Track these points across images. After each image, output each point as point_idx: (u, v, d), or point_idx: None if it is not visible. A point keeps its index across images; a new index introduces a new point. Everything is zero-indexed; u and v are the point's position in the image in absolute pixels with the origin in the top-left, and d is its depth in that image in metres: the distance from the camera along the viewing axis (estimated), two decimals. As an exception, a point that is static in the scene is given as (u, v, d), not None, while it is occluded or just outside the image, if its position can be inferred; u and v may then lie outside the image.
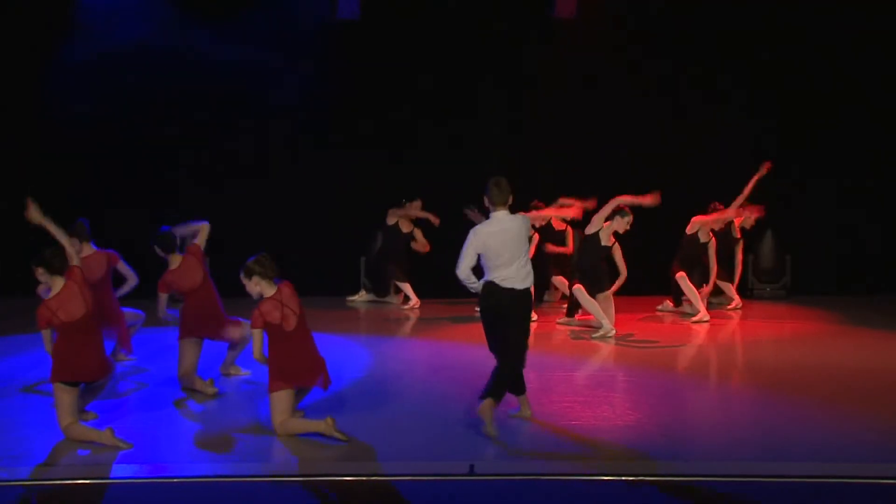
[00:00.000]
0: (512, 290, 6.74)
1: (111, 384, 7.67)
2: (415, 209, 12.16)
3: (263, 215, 12.84)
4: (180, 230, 7.89)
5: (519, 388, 6.91)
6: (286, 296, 6.52)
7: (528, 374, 8.19)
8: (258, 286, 6.54)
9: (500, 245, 6.73)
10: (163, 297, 7.74)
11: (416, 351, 9.53)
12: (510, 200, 6.83)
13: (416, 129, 12.97)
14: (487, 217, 6.81)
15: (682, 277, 11.00)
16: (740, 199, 11.38)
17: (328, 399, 7.31)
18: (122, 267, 8.42)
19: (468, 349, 9.43)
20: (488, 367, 8.24)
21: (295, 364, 6.52)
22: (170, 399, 7.48)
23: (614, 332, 9.99)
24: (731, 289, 11.80)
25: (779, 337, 10.21)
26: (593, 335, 9.99)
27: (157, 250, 7.84)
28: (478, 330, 9.53)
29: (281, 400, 6.48)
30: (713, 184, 11.95)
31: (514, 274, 6.76)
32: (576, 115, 12.86)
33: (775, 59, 12.95)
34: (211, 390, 7.56)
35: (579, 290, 10.13)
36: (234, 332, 7.73)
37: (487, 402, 6.53)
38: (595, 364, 8.95)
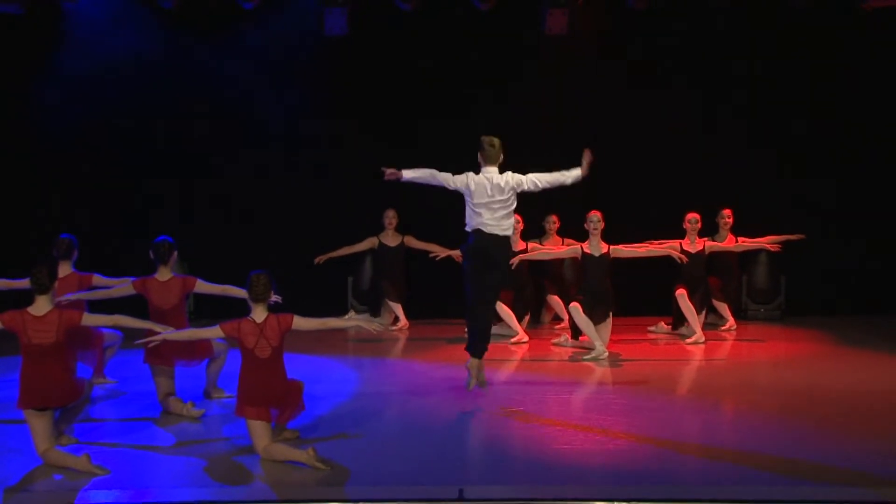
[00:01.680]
0: (494, 235, 7.84)
1: (90, 407, 7.59)
2: (389, 220, 12.00)
3: (247, 232, 12.80)
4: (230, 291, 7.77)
5: (481, 346, 7.92)
6: (269, 328, 6.49)
7: (519, 396, 8.16)
8: (249, 303, 6.55)
9: (483, 192, 7.85)
10: (123, 285, 7.76)
11: (403, 373, 9.45)
12: (500, 159, 8.01)
13: (407, 147, 12.92)
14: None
15: (681, 295, 10.94)
16: (756, 244, 11.39)
17: (313, 422, 7.23)
18: (101, 282, 8.31)
19: (457, 371, 9.35)
20: (474, 389, 8.16)
21: (264, 391, 6.48)
22: (150, 423, 7.39)
23: (606, 354, 9.92)
24: (726, 309, 11.76)
25: (774, 359, 10.15)
26: (585, 357, 9.92)
27: (151, 255, 7.83)
28: (465, 354, 9.50)
29: (256, 427, 6.45)
30: (709, 199, 11.93)
31: (496, 222, 7.86)
32: (569, 131, 12.83)
33: (771, 78, 12.95)
34: (193, 413, 7.49)
35: (576, 308, 10.05)
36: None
37: (472, 361, 7.83)
38: (587, 386, 8.87)
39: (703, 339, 10.81)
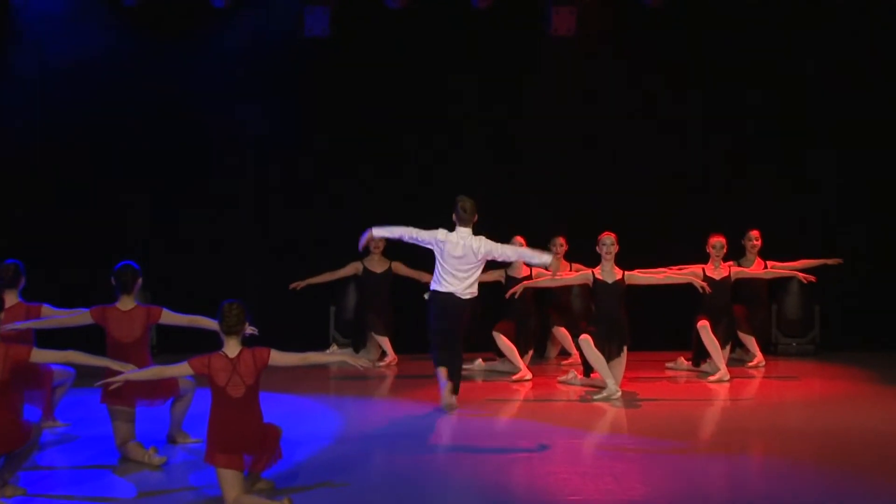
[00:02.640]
0: (462, 300, 9.22)
1: (38, 454, 7.56)
2: (375, 243, 11.96)
3: (218, 256, 12.79)
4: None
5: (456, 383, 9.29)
6: (244, 364, 6.49)
7: (522, 441, 8.15)
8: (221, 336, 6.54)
9: (456, 250, 9.11)
10: (79, 314, 7.75)
11: (391, 414, 9.44)
12: (475, 220, 9.22)
13: (394, 157, 12.96)
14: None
15: (703, 327, 10.93)
16: (787, 272, 11.39)
17: (291, 469, 7.20)
18: (52, 314, 8.29)
19: (454, 413, 9.35)
20: (471, 433, 8.15)
21: (236, 435, 6.45)
22: (107, 472, 7.35)
23: (619, 393, 9.91)
24: (753, 343, 11.76)
25: (807, 399, 10.16)
26: (595, 396, 9.91)
27: (113, 282, 7.83)
28: (460, 393, 9.49)
29: (227, 476, 6.43)
30: (735, 220, 11.96)
31: (464, 288, 9.21)
32: (576, 143, 12.91)
33: (794, 82, 13.03)
34: (155, 460, 7.46)
35: (586, 341, 10.03)
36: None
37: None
38: (598, 430, 8.86)
39: (727, 376, 10.81)
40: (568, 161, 12.96)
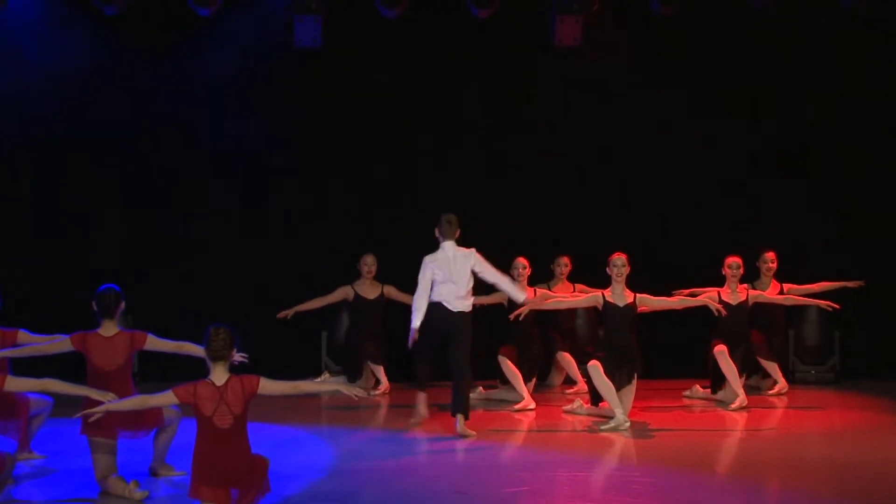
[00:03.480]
0: (451, 311, 9.74)
1: (13, 488, 7.56)
2: (367, 267, 11.99)
3: (205, 280, 12.80)
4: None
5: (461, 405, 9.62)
6: (231, 393, 6.50)
7: (525, 474, 8.15)
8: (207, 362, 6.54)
9: (444, 271, 9.77)
10: (59, 341, 7.75)
11: (386, 445, 9.44)
12: (457, 234, 9.87)
13: (390, 172, 12.98)
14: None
15: (721, 353, 10.93)
16: (807, 300, 11.45)
17: (283, 503, 7.22)
18: (28, 339, 8.30)
19: (447, 444, 9.34)
20: (472, 466, 8.16)
21: (223, 468, 6.45)
22: (85, 506, 7.36)
23: (628, 423, 9.90)
24: (776, 369, 11.72)
25: (827, 430, 10.16)
26: (603, 426, 9.91)
27: (94, 306, 7.83)
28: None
29: (213, 513, 6.43)
30: (750, 240, 12.01)
31: (454, 297, 9.73)
32: (578, 153, 12.95)
33: (825, 96, 13.09)
34: (136, 495, 7.46)
35: (595, 367, 10.00)
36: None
37: (459, 418, 9.60)
38: (606, 462, 8.86)
39: (745, 402, 10.80)
40: (572, 176, 12.99)
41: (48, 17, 12.62)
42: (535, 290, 11.07)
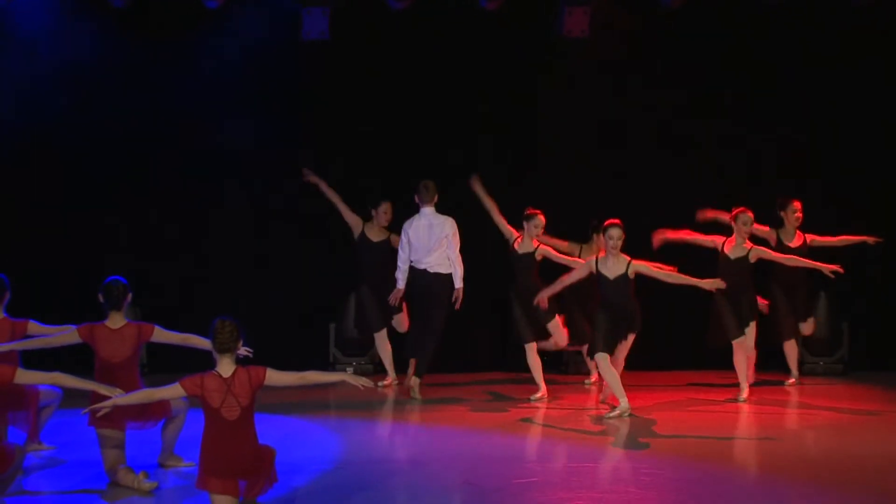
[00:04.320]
0: (436, 273, 10.87)
1: (23, 479, 7.59)
2: (384, 213, 11.73)
3: (211, 272, 12.84)
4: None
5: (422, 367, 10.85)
6: (238, 384, 6.52)
7: (531, 466, 8.17)
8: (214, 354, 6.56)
9: (423, 236, 10.88)
10: (67, 332, 7.77)
11: (393, 437, 9.47)
12: (435, 199, 11.00)
13: (397, 166, 12.97)
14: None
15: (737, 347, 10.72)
16: (825, 247, 11.29)
17: (289, 494, 7.22)
18: (38, 330, 8.34)
19: (460, 436, 9.36)
20: (478, 457, 8.17)
21: (231, 459, 6.47)
22: (96, 497, 7.37)
23: (629, 409, 9.88)
24: (794, 356, 11.53)
25: (836, 422, 10.13)
26: (608, 415, 9.90)
27: (101, 298, 7.86)
28: (468, 414, 9.52)
29: (220, 502, 6.46)
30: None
31: (436, 261, 10.85)
32: (589, 151, 12.96)
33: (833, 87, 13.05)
34: (145, 486, 7.48)
35: (603, 358, 9.89)
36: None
37: (415, 380, 10.83)
38: (615, 453, 8.85)
39: (744, 395, 10.72)
40: (579, 166, 12.97)
41: (56, 9, 12.63)
42: (539, 243, 10.93)
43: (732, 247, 10.80)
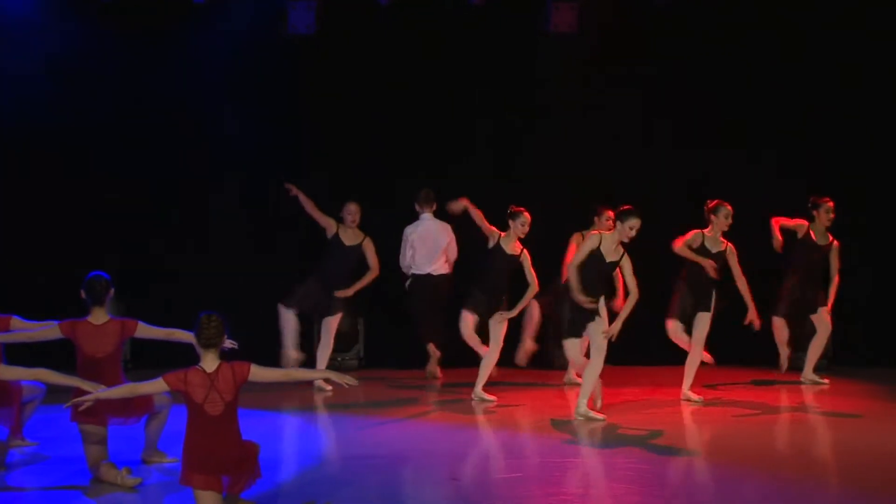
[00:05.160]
0: (441, 275, 11.75)
1: (5, 474, 7.59)
2: (350, 216, 11.41)
3: (196, 267, 12.82)
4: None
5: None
6: (222, 380, 6.50)
7: (517, 461, 8.17)
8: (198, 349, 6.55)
9: (422, 241, 11.72)
10: (49, 328, 7.76)
11: (381, 433, 9.46)
12: (434, 206, 11.69)
13: (385, 162, 12.96)
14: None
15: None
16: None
17: (273, 490, 7.22)
18: (20, 325, 8.32)
19: (442, 430, 9.37)
20: (463, 452, 8.16)
21: (215, 454, 6.46)
22: (78, 493, 7.36)
23: (589, 412, 9.78)
24: (784, 354, 11.47)
25: (821, 416, 10.19)
26: (581, 412, 9.75)
27: (83, 294, 7.84)
28: (452, 411, 9.51)
29: (204, 498, 6.45)
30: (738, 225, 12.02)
31: (430, 262, 11.72)
32: (577, 147, 12.97)
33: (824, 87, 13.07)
34: (128, 482, 7.47)
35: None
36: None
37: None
38: (601, 448, 8.84)
39: (694, 398, 10.60)
40: (568, 162, 12.99)
41: (40, 3, 12.58)
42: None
43: (710, 239, 10.59)
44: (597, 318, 9.83)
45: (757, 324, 10.60)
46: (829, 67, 13.03)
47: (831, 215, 11.41)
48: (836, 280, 11.45)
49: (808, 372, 11.67)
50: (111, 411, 7.60)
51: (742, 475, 7.93)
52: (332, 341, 11.49)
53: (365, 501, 7.18)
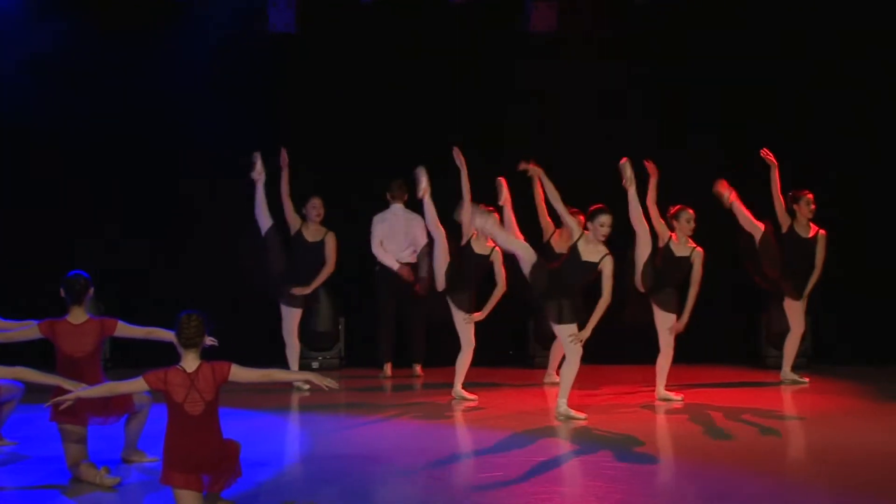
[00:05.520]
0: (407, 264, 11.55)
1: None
2: (315, 210, 11.41)
3: (179, 268, 12.78)
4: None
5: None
6: (202, 380, 6.49)
7: (498, 460, 8.18)
8: (178, 349, 6.53)
9: (391, 231, 11.77)
10: (27, 328, 7.71)
11: (363, 432, 9.47)
12: (405, 197, 11.73)
13: (368, 162, 12.93)
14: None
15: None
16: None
17: (254, 489, 7.21)
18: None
19: (422, 430, 9.37)
20: (444, 451, 8.16)
21: (195, 454, 6.45)
22: (57, 493, 7.32)
23: (569, 412, 9.76)
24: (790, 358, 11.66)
25: (801, 415, 10.25)
26: (561, 412, 9.76)
27: (62, 292, 7.81)
28: (434, 409, 9.51)
29: (184, 498, 6.43)
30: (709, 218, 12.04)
31: (399, 252, 11.69)
32: (558, 148, 12.96)
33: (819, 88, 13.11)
34: (108, 481, 7.45)
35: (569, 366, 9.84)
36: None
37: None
38: (583, 446, 8.82)
39: (666, 397, 10.64)
40: (547, 162, 12.98)
41: (22, 1, 12.53)
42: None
43: (678, 244, 10.62)
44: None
45: (680, 330, 10.55)
46: (807, 66, 13.09)
47: (812, 206, 11.45)
48: (818, 272, 11.46)
49: (786, 371, 11.72)
50: (91, 411, 7.58)
51: (723, 474, 7.96)
52: (296, 341, 11.48)
53: (345, 500, 7.17)
